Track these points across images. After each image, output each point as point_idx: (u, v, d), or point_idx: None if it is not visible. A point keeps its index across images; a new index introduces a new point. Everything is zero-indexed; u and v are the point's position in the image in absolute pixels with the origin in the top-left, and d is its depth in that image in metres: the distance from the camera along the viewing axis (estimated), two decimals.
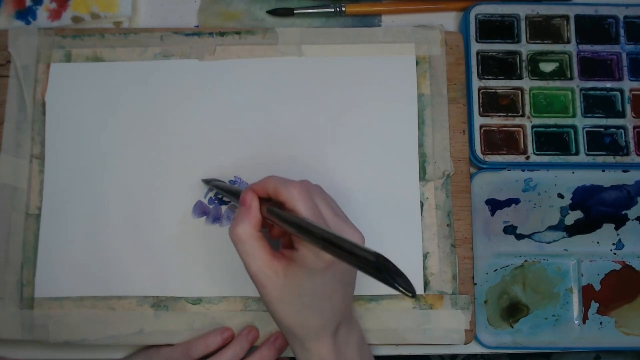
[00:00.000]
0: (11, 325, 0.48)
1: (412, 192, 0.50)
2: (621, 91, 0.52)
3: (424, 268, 0.49)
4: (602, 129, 0.52)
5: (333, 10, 0.54)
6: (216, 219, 0.49)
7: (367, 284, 0.48)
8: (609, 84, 0.52)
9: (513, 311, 0.50)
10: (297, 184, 0.37)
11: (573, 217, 0.51)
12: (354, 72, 0.51)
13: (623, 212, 0.52)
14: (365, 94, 0.51)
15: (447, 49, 0.52)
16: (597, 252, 0.51)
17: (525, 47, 0.53)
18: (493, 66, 0.53)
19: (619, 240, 0.51)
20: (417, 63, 0.52)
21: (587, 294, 0.50)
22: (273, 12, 0.55)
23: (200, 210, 0.49)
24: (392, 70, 0.51)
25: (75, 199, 0.50)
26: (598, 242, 0.51)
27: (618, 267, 0.51)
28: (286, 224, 0.35)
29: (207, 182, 0.49)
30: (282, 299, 0.38)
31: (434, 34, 0.52)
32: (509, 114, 0.52)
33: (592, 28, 0.53)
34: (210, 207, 0.50)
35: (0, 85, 0.51)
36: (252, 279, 0.38)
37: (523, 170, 0.51)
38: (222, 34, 0.52)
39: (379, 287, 0.48)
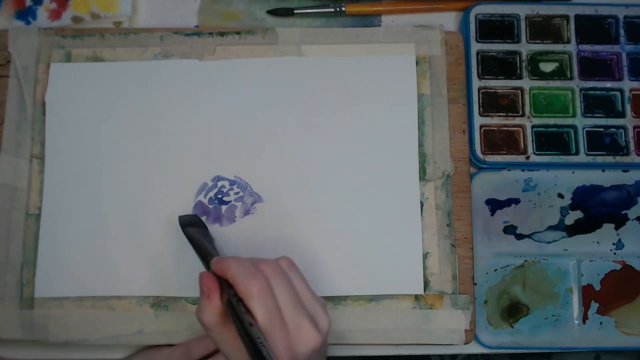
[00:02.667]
0: (11, 325, 0.48)
1: (412, 192, 0.50)
2: (621, 91, 0.52)
3: (424, 268, 0.49)
4: (602, 129, 0.52)
5: (333, 10, 0.54)
6: (216, 219, 0.49)
7: (368, 284, 0.48)
8: (609, 84, 0.52)
9: (513, 311, 0.50)
10: (258, 280, 0.36)
11: (573, 217, 0.51)
12: (354, 72, 0.51)
13: (623, 212, 0.52)
14: (365, 94, 0.51)
15: (447, 49, 0.52)
16: (597, 252, 0.51)
17: (525, 47, 0.53)
18: (493, 66, 0.53)
19: (619, 240, 0.51)
20: (417, 63, 0.52)
21: (587, 294, 0.50)
22: (273, 12, 0.55)
23: (200, 210, 0.49)
24: (392, 70, 0.51)
25: (75, 199, 0.50)
26: (598, 242, 0.51)
27: (618, 267, 0.51)
28: (237, 328, 0.35)
29: (183, 224, 0.47)
30: None
31: (434, 34, 0.52)
32: (509, 114, 0.52)
33: (592, 28, 0.53)
34: (211, 207, 0.50)
35: (0, 85, 0.51)
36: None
37: (523, 170, 0.51)
38: (222, 34, 0.52)
39: (379, 287, 0.48)
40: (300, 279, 0.40)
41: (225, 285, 0.38)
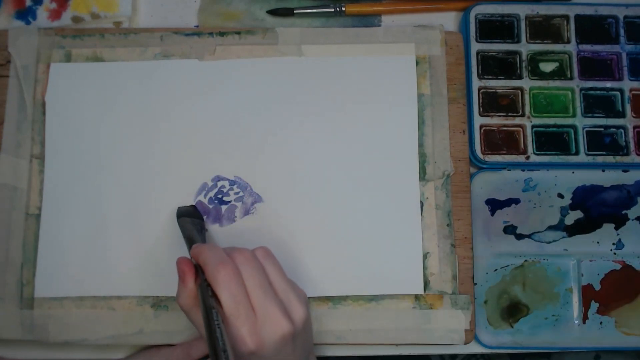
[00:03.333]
0: (11, 325, 0.48)
1: (412, 192, 0.50)
2: (621, 91, 0.52)
3: (424, 268, 0.49)
4: (602, 129, 0.52)
5: (333, 10, 0.54)
6: (216, 219, 0.49)
7: (368, 284, 0.48)
8: (609, 84, 0.52)
9: (513, 311, 0.50)
10: (226, 266, 0.37)
11: (573, 217, 0.51)
12: (354, 72, 0.51)
13: (623, 212, 0.52)
14: (365, 94, 0.51)
15: (447, 49, 0.52)
16: (597, 252, 0.51)
17: (525, 47, 0.53)
18: (493, 66, 0.53)
19: (619, 240, 0.51)
20: (417, 63, 0.52)
21: (587, 293, 0.50)
22: (273, 12, 0.55)
23: (200, 210, 0.49)
24: (392, 70, 0.51)
25: (75, 199, 0.50)
26: (598, 242, 0.51)
27: (618, 267, 0.51)
28: (202, 314, 0.37)
29: (179, 214, 0.48)
30: None
31: (434, 34, 0.52)
32: (509, 114, 0.52)
33: (592, 28, 0.53)
34: (210, 207, 0.50)
35: (0, 85, 0.51)
36: None
37: (523, 170, 0.51)
38: (222, 34, 0.52)
39: (379, 287, 0.48)
40: (275, 268, 0.40)
41: (200, 271, 0.39)
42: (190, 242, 0.43)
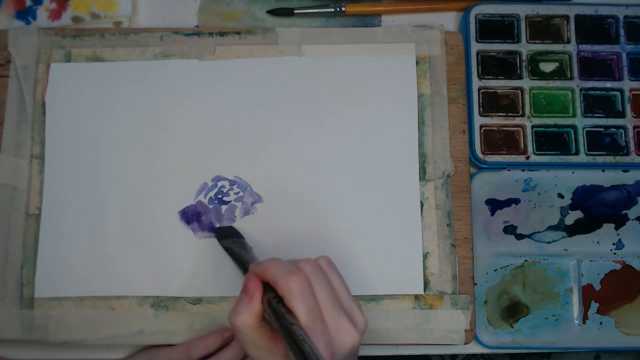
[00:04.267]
0: (11, 325, 0.48)
1: (412, 192, 0.50)
2: (621, 91, 0.52)
3: (424, 268, 0.49)
4: (602, 129, 0.52)
5: (333, 10, 0.54)
6: (216, 219, 0.49)
7: (368, 284, 0.48)
8: (609, 84, 0.52)
9: (513, 311, 0.50)
10: (299, 279, 0.36)
11: (573, 217, 0.51)
12: (354, 72, 0.51)
13: (623, 212, 0.52)
14: (365, 94, 0.51)
15: (447, 49, 0.52)
16: (597, 252, 0.51)
17: (525, 47, 0.53)
18: (493, 66, 0.53)
19: (619, 240, 0.51)
20: (417, 63, 0.52)
21: (587, 294, 0.50)
22: (273, 12, 0.55)
23: (200, 210, 0.49)
24: (392, 70, 0.51)
25: (75, 199, 0.50)
26: (598, 242, 0.51)
27: (618, 267, 0.51)
28: (279, 327, 0.35)
29: (219, 236, 0.47)
30: None
31: (434, 34, 0.52)
32: (509, 114, 0.52)
33: (592, 28, 0.53)
34: (211, 207, 0.50)
35: (0, 85, 0.51)
36: None
37: (523, 170, 0.51)
38: (222, 34, 0.52)
39: (379, 287, 0.48)
40: (339, 278, 0.39)
41: (266, 288, 0.37)
42: (242, 262, 0.42)
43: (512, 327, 0.50)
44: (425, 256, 0.49)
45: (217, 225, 0.49)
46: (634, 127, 0.52)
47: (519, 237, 0.51)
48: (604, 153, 0.51)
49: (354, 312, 0.38)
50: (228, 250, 0.45)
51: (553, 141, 0.52)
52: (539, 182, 0.51)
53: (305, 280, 0.36)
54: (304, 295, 0.35)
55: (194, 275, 0.49)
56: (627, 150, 0.51)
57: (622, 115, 0.52)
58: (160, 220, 0.49)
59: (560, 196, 0.52)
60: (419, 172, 0.50)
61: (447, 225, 0.49)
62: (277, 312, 0.35)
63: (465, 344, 0.48)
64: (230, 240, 0.46)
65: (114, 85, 0.51)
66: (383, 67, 0.51)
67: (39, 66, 0.52)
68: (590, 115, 0.52)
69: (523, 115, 0.52)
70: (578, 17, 0.53)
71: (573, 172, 0.52)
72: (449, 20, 0.55)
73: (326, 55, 0.52)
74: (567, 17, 0.53)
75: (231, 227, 0.49)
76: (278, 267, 0.37)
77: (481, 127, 0.51)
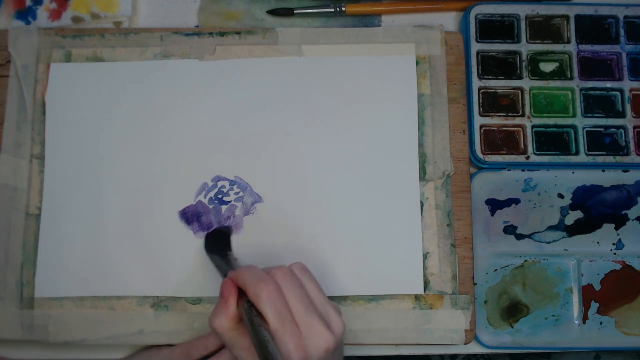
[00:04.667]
0: (11, 325, 0.48)
1: (412, 192, 0.50)
2: (621, 91, 0.52)
3: (424, 268, 0.49)
4: (602, 129, 0.52)
5: (333, 10, 0.54)
6: (216, 219, 0.49)
7: (368, 284, 0.48)
8: (609, 84, 0.52)
9: (513, 311, 0.50)
10: (267, 284, 0.37)
11: (573, 217, 0.51)
12: (354, 72, 0.51)
13: (623, 212, 0.52)
14: (365, 94, 0.51)
15: (447, 49, 0.52)
16: (597, 252, 0.51)
17: (525, 47, 0.53)
18: (493, 66, 0.53)
19: (619, 240, 0.51)
20: (417, 63, 0.52)
21: (587, 294, 0.50)
22: (273, 12, 0.55)
23: (200, 210, 0.49)
24: (392, 70, 0.51)
25: (75, 199, 0.50)
26: (598, 242, 0.51)
27: (618, 267, 0.51)
28: (249, 330, 0.37)
29: (206, 243, 0.48)
30: None
31: (434, 34, 0.52)
32: (509, 114, 0.52)
33: (592, 28, 0.53)
34: (211, 207, 0.50)
35: (0, 85, 0.51)
36: None
37: (523, 170, 0.51)
38: (222, 34, 0.52)
39: (379, 287, 0.48)
40: (313, 283, 0.41)
41: (241, 293, 0.39)
42: (222, 269, 0.43)
43: (512, 327, 0.50)
44: (425, 256, 0.49)
45: (214, 228, 0.49)
46: (634, 127, 0.52)
47: (519, 237, 0.51)
48: (604, 153, 0.51)
49: (330, 315, 0.39)
50: (212, 258, 0.46)
51: (553, 141, 0.52)
52: (539, 182, 0.51)
53: (274, 285, 0.38)
54: (272, 300, 0.37)
55: (194, 275, 0.49)
56: (627, 150, 0.51)
57: (622, 115, 0.52)
58: (160, 220, 0.49)
59: (560, 196, 0.52)
60: (419, 172, 0.50)
61: (447, 225, 0.49)
62: (247, 316, 0.37)
63: (465, 344, 0.48)
64: (216, 255, 0.46)
65: (114, 85, 0.51)
66: (383, 67, 0.51)
67: (39, 66, 0.52)
68: (590, 115, 0.52)
69: (523, 115, 0.52)
70: (578, 17, 0.53)
71: (573, 172, 0.52)
72: (449, 20, 0.55)
73: (326, 55, 0.52)
74: (567, 17, 0.53)
75: (222, 229, 0.49)
76: (250, 273, 0.38)
77: (481, 127, 0.51)
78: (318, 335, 0.37)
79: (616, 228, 0.51)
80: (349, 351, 0.50)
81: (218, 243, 0.48)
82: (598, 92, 0.52)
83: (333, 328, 0.39)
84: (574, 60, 0.53)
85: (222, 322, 0.38)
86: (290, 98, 0.51)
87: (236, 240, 0.49)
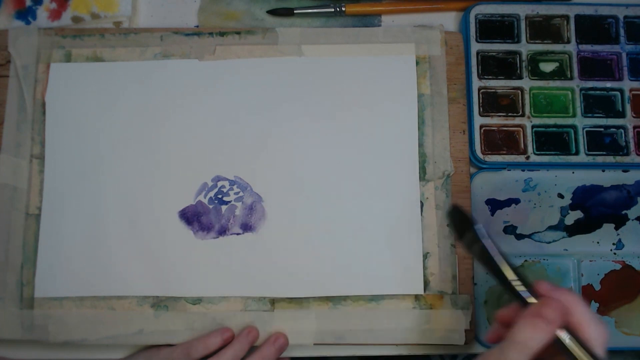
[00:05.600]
0: (11, 325, 0.48)
1: (412, 192, 0.50)
2: (621, 91, 0.52)
3: (424, 268, 0.49)
4: (602, 129, 0.52)
5: (333, 10, 0.54)
6: (216, 219, 0.49)
7: (368, 284, 0.48)
8: (609, 84, 0.52)
9: None
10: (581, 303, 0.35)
11: (573, 217, 0.51)
12: (354, 72, 0.51)
13: (623, 212, 0.52)
14: (365, 94, 0.51)
15: (447, 49, 0.52)
16: (597, 252, 0.51)
17: (525, 47, 0.53)
18: (493, 66, 0.53)
19: (619, 240, 0.51)
20: (417, 63, 0.52)
21: (587, 294, 0.50)
22: (273, 12, 0.55)
23: (200, 210, 0.49)
24: (392, 70, 0.51)
25: (75, 199, 0.50)
26: (598, 242, 0.51)
27: (618, 267, 0.51)
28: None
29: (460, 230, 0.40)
30: None
31: (434, 34, 0.52)
32: (509, 114, 0.52)
33: (592, 28, 0.53)
34: (211, 207, 0.50)
35: (0, 85, 0.51)
36: None
37: (523, 170, 0.51)
38: (222, 34, 0.52)
39: (379, 287, 0.48)
40: None
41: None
42: (521, 277, 0.37)
43: None
44: (425, 256, 0.49)
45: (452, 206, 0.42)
46: (634, 127, 0.52)
47: (519, 237, 0.51)
48: (604, 153, 0.51)
49: None
50: (483, 255, 0.38)
51: (553, 141, 0.52)
52: (539, 182, 0.51)
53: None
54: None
55: (194, 275, 0.49)
56: (627, 150, 0.51)
57: (622, 115, 0.52)
58: (160, 220, 0.49)
59: (560, 196, 0.52)
60: (419, 172, 0.50)
61: (447, 225, 0.49)
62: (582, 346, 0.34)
63: (465, 344, 0.48)
64: (473, 237, 0.39)
65: (114, 85, 0.51)
66: (383, 67, 0.51)
67: (39, 66, 0.52)
68: (590, 115, 0.52)
69: (523, 115, 0.52)
70: (578, 17, 0.53)
71: (573, 172, 0.52)
72: (449, 20, 0.55)
73: (326, 55, 0.52)
74: (567, 17, 0.53)
75: (464, 214, 0.41)
76: (584, 310, 0.35)
77: (481, 127, 0.51)
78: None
79: (616, 228, 0.51)
80: (350, 351, 0.50)
81: (465, 223, 0.40)
82: (598, 92, 0.52)
83: None
84: (574, 60, 0.53)
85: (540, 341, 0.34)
86: (290, 98, 0.51)
87: (236, 240, 0.49)
